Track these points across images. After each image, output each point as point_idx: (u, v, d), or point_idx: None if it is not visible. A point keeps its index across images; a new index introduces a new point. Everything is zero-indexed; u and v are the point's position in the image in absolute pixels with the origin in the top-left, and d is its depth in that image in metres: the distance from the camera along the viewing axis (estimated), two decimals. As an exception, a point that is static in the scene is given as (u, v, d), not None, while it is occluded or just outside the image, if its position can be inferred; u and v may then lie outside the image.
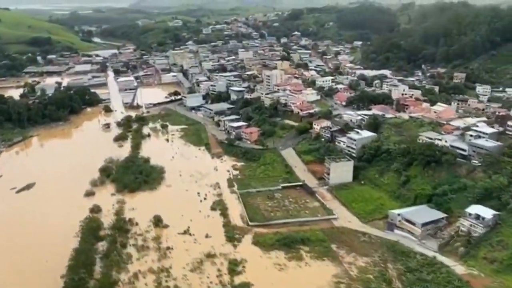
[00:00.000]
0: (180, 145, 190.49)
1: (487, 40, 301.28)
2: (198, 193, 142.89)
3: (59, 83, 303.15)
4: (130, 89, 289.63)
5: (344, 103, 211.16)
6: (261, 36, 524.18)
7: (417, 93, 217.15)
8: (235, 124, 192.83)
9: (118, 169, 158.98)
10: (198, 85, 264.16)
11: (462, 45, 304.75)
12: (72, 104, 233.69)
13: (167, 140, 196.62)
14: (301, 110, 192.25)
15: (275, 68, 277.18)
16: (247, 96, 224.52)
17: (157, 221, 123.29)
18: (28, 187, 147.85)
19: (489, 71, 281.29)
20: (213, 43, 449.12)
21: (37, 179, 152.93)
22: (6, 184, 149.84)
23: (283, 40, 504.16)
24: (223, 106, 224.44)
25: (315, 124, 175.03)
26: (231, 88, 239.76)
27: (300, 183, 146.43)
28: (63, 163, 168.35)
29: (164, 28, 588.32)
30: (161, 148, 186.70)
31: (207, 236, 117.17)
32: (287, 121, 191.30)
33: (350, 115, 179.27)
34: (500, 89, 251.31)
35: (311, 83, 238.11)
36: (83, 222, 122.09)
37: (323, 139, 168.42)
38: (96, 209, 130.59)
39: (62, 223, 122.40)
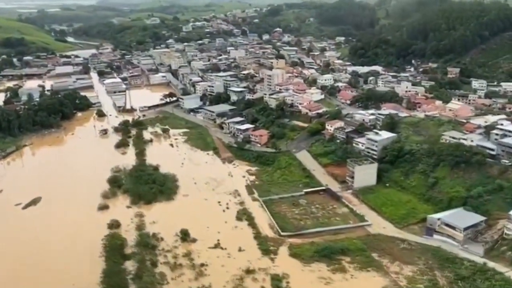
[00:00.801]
0: (186, 150, 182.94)
1: (476, 35, 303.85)
2: (219, 202, 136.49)
3: (42, 87, 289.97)
4: (119, 92, 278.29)
5: (349, 102, 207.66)
6: (242, 33, 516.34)
7: (421, 90, 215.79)
8: (242, 127, 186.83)
9: (128, 178, 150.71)
10: (193, 86, 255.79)
11: (452, 40, 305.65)
12: (63, 110, 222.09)
13: (171, 145, 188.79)
14: (310, 110, 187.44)
15: (271, 67, 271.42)
16: (249, 96, 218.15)
17: (184, 235, 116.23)
18: (34, 202, 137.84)
19: (482, 66, 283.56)
20: (199, 42, 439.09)
21: (42, 193, 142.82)
22: (9, 199, 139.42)
23: (265, 36, 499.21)
24: (224, 107, 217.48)
25: (328, 125, 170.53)
26: (230, 88, 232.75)
27: (323, 187, 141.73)
28: (65, 174, 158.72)
29: (141, 26, 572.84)
30: (167, 154, 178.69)
31: (240, 250, 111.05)
32: (295, 122, 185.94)
33: (362, 115, 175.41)
34: (495, 83, 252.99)
35: (312, 82, 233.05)
36: (105, 239, 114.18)
37: (338, 141, 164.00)
38: (115, 225, 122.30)
39: (81, 241, 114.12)
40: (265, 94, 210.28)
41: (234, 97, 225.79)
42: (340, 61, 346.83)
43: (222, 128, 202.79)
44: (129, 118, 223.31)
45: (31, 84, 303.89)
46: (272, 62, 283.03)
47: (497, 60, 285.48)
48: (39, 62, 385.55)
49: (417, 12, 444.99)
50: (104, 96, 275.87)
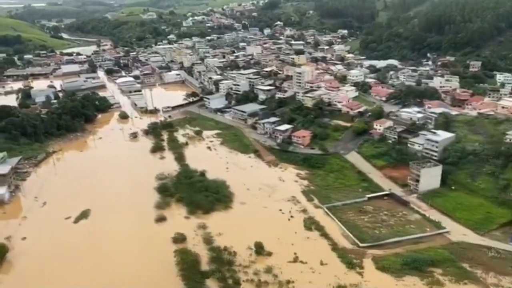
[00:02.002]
0: (225, 153, 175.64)
1: (493, 27, 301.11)
2: (280, 210, 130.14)
3: (52, 87, 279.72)
4: (135, 91, 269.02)
5: (384, 99, 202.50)
6: (243, 27, 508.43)
7: (455, 85, 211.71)
8: (281, 128, 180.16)
9: (179, 186, 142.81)
10: (215, 85, 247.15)
11: (470, 32, 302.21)
12: (85, 112, 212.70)
13: (209, 148, 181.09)
14: (351, 109, 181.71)
15: (293, 63, 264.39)
16: (279, 95, 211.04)
17: (259, 248, 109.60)
18: (84, 215, 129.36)
19: (503, 58, 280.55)
20: (208, 37, 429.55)
21: (88, 204, 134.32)
22: (57, 213, 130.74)
23: (267, 31, 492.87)
24: (254, 107, 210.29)
25: (376, 125, 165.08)
26: (257, 87, 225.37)
27: (387, 192, 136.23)
28: (106, 183, 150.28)
29: (138, 21, 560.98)
30: (207, 157, 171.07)
31: (322, 264, 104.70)
32: (337, 122, 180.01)
33: (409, 113, 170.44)
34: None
35: (342, 78, 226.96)
36: (177, 255, 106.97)
37: (389, 141, 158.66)
38: (180, 238, 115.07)
39: (150, 258, 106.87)
40: (298, 93, 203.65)
41: (262, 96, 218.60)
42: (351, 55, 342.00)
43: (255, 128, 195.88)
44: (154, 119, 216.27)
45: (40, 85, 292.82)
46: (293, 58, 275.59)
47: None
48: (41, 61, 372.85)
49: (421, 5, 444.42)
50: (119, 96, 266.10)
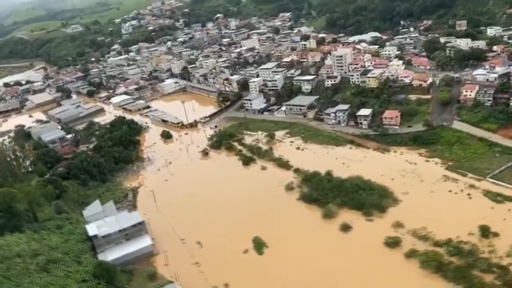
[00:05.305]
0: (321, 150, 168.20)
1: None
2: (450, 190, 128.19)
3: (43, 121, 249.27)
4: (143, 108, 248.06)
5: (428, 68, 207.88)
6: (186, 25, 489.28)
7: (482, 43, 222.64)
8: (365, 113, 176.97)
9: (328, 192, 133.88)
10: (239, 85, 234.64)
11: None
12: (131, 139, 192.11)
13: (298, 148, 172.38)
14: (424, 81, 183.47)
15: (311, 49, 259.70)
16: (331, 82, 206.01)
17: (484, 231, 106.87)
18: (261, 244, 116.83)
19: (480, 14, 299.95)
20: (181, 40, 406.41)
21: (252, 232, 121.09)
22: (226, 249, 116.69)
23: (210, 24, 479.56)
24: (307, 99, 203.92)
25: (466, 91, 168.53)
26: (298, 78, 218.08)
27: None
28: (238, 207, 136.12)
29: (64, 37, 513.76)
30: (309, 157, 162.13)
31: None
32: (417, 96, 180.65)
33: (484, 75, 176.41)
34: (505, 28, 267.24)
35: (376, 55, 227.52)
36: (414, 258, 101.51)
37: (486, 104, 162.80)
38: (392, 242, 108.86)
39: (386, 270, 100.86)
40: (352, 76, 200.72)
41: (306, 87, 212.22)
42: (324, 35, 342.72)
43: (321, 120, 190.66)
44: (196, 133, 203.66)
45: (21, 122, 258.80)
46: (305, 45, 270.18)
47: (489, 7, 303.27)
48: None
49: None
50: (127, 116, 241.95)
